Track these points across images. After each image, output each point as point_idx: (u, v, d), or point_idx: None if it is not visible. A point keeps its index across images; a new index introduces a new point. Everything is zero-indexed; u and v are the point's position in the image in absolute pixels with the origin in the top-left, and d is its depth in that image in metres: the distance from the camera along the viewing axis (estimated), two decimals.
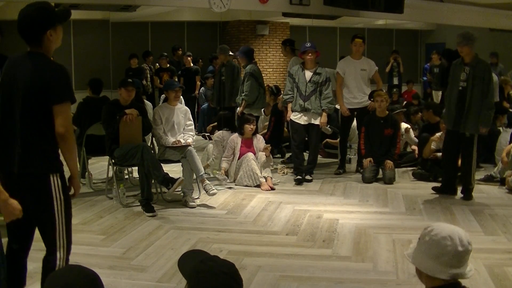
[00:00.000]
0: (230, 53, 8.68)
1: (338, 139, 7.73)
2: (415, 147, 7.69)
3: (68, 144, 2.76)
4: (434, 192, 6.07)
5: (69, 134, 2.75)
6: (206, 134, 9.89)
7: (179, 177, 5.49)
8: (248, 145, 6.75)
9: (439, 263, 1.87)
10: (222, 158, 6.76)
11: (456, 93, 5.75)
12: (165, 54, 11.45)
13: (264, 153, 6.64)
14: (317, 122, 6.69)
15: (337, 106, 7.43)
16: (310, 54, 6.67)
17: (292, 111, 6.77)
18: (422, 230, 2.01)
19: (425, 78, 12.73)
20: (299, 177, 6.78)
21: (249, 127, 6.73)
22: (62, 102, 2.71)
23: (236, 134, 6.79)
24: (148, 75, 11.17)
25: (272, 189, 6.39)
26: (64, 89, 2.72)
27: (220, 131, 7.07)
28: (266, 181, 6.47)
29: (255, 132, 6.89)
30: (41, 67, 2.70)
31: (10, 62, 2.79)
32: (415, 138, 7.81)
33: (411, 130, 7.92)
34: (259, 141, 6.82)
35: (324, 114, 6.68)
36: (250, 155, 6.58)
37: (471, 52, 5.70)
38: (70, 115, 2.81)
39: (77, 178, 2.92)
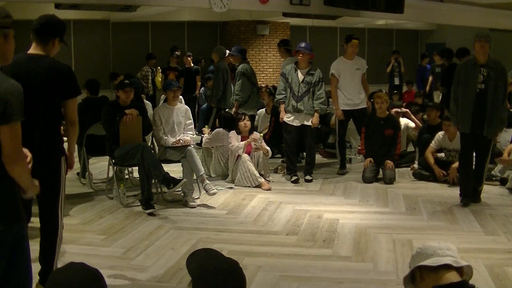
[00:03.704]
0: (228, 52, 8.75)
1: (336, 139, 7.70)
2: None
3: (76, 129, 3.38)
4: (463, 204, 5.64)
5: (77, 121, 3.36)
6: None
7: (181, 178, 5.48)
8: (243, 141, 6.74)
9: (428, 256, 2.03)
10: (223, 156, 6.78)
11: (473, 96, 5.46)
12: (177, 53, 11.45)
13: (261, 150, 6.64)
14: (309, 123, 6.68)
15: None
16: (301, 55, 6.66)
17: (285, 111, 6.76)
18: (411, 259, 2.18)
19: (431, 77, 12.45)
20: (295, 177, 6.78)
21: (242, 124, 6.73)
22: (75, 96, 3.29)
23: (234, 131, 6.80)
24: (150, 78, 11.17)
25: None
26: (76, 85, 3.30)
27: (220, 129, 7.06)
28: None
29: (252, 130, 6.87)
30: (55, 67, 3.21)
31: (19, 61, 3.11)
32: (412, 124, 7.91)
33: (409, 122, 7.97)
34: (256, 136, 6.79)
35: (316, 114, 6.66)
36: (245, 156, 6.58)
37: (488, 51, 5.46)
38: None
39: (73, 155, 3.49)
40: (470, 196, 5.71)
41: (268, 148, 6.78)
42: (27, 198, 2.56)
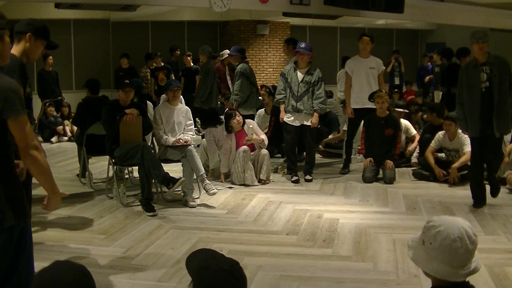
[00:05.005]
0: (228, 52, 8.74)
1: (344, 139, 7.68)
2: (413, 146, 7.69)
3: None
4: (475, 207, 5.60)
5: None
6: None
7: (181, 178, 5.49)
8: (240, 136, 6.73)
9: (452, 266, 1.84)
10: (222, 157, 6.75)
11: (479, 97, 5.34)
12: (159, 53, 11.45)
13: (254, 142, 6.65)
14: (309, 123, 6.67)
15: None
16: (300, 56, 6.64)
17: (285, 111, 6.75)
18: (424, 229, 1.95)
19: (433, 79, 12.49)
20: (295, 177, 6.78)
21: (235, 121, 6.67)
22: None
23: (226, 133, 6.77)
24: (149, 78, 11.18)
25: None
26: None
27: (207, 129, 7.04)
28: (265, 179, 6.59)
29: (244, 124, 6.82)
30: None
31: None
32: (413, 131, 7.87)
33: (411, 127, 7.95)
34: (249, 125, 6.70)
35: (316, 114, 6.66)
36: (241, 150, 6.55)
37: (486, 49, 5.36)
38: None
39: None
40: (484, 200, 5.63)
41: (263, 137, 6.75)
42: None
